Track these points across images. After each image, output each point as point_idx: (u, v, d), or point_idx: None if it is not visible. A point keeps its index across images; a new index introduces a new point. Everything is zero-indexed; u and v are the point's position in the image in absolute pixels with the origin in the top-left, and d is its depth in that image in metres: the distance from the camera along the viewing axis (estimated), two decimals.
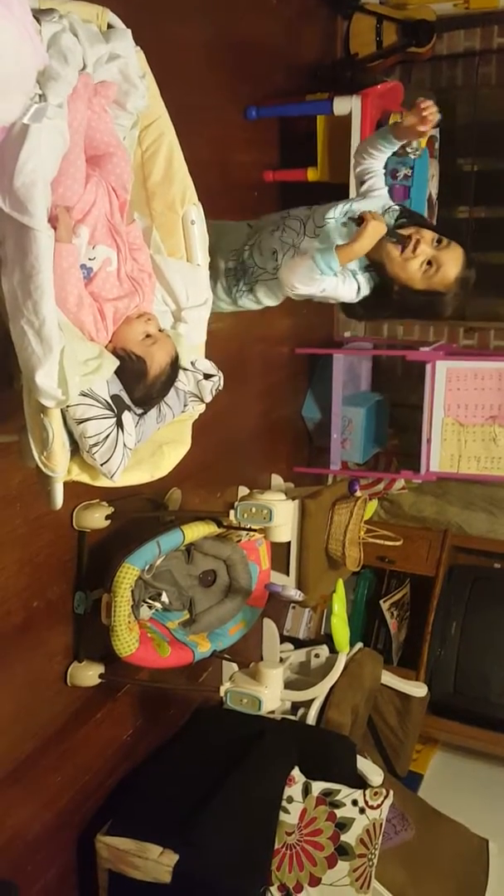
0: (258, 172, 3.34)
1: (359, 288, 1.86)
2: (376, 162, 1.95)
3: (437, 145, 3.50)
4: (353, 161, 2.01)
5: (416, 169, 3.17)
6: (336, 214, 1.92)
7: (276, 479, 3.67)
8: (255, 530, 2.58)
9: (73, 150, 1.31)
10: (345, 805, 2.57)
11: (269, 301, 2.05)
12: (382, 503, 4.28)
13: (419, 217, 1.96)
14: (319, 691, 3.11)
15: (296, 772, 2.62)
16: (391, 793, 2.69)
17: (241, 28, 3.13)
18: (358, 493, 3.16)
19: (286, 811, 2.55)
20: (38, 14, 1.31)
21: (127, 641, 2.23)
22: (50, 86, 1.22)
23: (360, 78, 3.51)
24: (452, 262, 1.80)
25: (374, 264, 1.86)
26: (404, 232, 1.82)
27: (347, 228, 1.89)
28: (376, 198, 1.95)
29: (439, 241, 1.80)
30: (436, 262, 1.79)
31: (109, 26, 1.45)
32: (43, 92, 1.22)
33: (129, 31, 1.46)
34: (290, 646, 3.67)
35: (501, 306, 3.80)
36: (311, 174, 3.26)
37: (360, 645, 3.42)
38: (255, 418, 3.54)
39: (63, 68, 1.25)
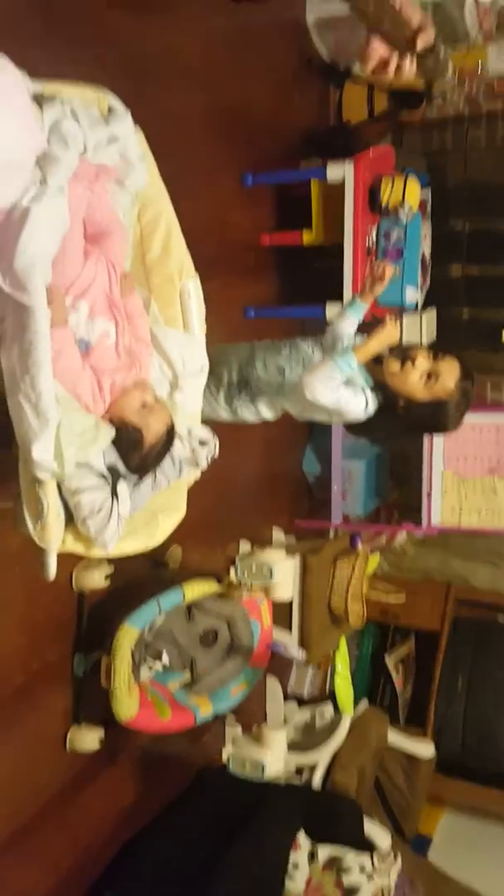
0: (255, 235, 3.42)
1: (367, 404, 1.98)
2: (348, 327, 2.12)
3: (428, 207, 3.59)
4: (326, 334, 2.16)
5: (408, 230, 3.25)
6: (345, 341, 2.07)
7: (278, 533, 3.67)
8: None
9: (73, 231, 1.36)
10: (352, 870, 2.50)
11: (267, 414, 2.16)
12: (385, 556, 4.27)
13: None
14: (324, 755, 3.06)
15: (301, 836, 2.56)
16: (399, 857, 2.63)
17: (235, 97, 3.25)
18: (359, 548, 3.16)
19: (291, 878, 2.48)
20: (41, 100, 1.38)
21: (127, 705, 2.21)
22: (51, 169, 1.28)
23: (354, 143, 3.62)
24: (450, 372, 1.93)
25: (379, 385, 2.00)
26: (401, 350, 1.97)
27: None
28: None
29: (435, 355, 1.95)
30: (434, 373, 1.92)
31: (110, 109, 1.52)
32: (44, 175, 1.27)
33: (128, 114, 1.52)
34: (294, 704, 3.62)
35: (495, 360, 3.84)
36: (307, 236, 3.33)
37: (365, 703, 3.37)
38: (255, 472, 3.55)
39: (64, 152, 1.30)
